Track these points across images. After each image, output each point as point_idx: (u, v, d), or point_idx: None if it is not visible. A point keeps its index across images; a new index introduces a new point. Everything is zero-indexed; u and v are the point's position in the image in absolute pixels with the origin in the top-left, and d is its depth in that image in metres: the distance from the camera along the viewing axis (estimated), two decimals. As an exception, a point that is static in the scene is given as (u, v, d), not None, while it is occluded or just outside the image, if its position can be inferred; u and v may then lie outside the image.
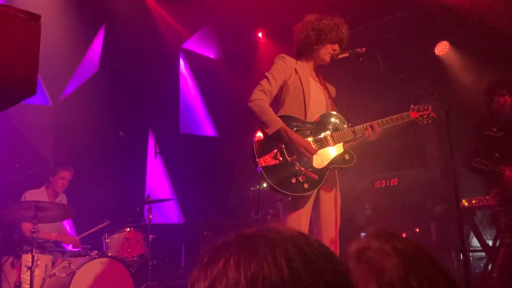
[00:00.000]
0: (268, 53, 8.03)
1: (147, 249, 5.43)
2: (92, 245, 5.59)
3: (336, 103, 3.69)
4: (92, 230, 5.69)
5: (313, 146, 3.35)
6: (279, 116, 3.36)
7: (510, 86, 4.93)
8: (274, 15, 7.27)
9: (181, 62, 8.59)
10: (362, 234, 6.60)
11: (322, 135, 3.43)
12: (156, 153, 6.63)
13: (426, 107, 3.65)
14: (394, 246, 1.29)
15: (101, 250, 5.29)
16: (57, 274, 4.75)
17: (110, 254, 5.14)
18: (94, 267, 4.78)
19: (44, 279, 4.77)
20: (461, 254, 5.30)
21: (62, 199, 5.79)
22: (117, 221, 5.72)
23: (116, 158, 7.22)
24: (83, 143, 6.66)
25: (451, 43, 6.81)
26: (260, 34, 8.36)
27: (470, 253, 5.99)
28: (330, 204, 3.49)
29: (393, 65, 3.61)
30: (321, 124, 3.47)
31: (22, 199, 5.40)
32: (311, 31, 3.56)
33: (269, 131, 3.25)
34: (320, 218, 3.46)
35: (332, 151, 3.45)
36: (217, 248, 0.95)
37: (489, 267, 5.60)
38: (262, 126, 3.31)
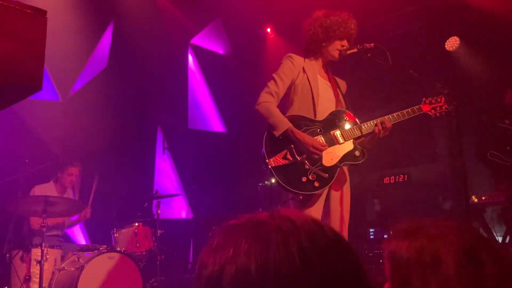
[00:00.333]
0: (276, 49, 8.01)
1: (156, 244, 5.45)
2: (101, 239, 5.62)
3: (346, 98, 3.67)
4: (92, 196, 5.65)
5: (323, 144, 3.36)
6: (288, 116, 3.40)
7: None
8: (282, 10, 7.24)
9: (190, 58, 8.58)
10: (371, 230, 6.59)
11: (332, 132, 3.43)
12: (164, 148, 6.64)
13: (438, 99, 3.57)
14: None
15: (110, 245, 5.32)
16: (66, 268, 4.77)
17: (118, 249, 5.16)
18: (102, 261, 4.80)
19: (53, 273, 4.80)
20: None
21: (69, 194, 5.83)
22: (126, 216, 5.74)
23: (124, 154, 7.24)
24: (91, 139, 6.68)
25: (461, 38, 6.75)
26: (268, 30, 8.33)
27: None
28: (340, 201, 3.49)
29: (402, 60, 3.59)
30: (330, 121, 3.47)
31: (31, 194, 5.44)
32: (318, 28, 3.56)
33: (277, 133, 3.29)
34: (330, 215, 3.46)
35: (342, 149, 3.44)
36: (228, 231, 0.91)
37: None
38: (270, 128, 3.34)
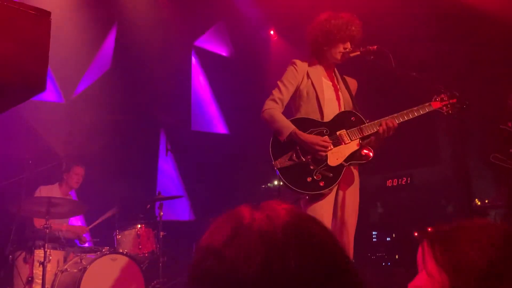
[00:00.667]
0: (279, 51, 8.02)
1: (158, 245, 5.45)
2: (104, 241, 5.63)
3: (355, 98, 3.68)
4: (100, 220, 5.70)
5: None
6: (293, 119, 3.47)
7: None
8: (285, 13, 7.25)
9: (193, 60, 8.60)
10: (374, 233, 6.58)
11: (338, 133, 3.46)
12: (167, 150, 6.64)
13: (452, 96, 3.55)
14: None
15: (113, 246, 5.32)
16: (69, 270, 4.78)
17: (121, 251, 5.17)
18: (105, 263, 4.81)
19: (56, 275, 4.81)
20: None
21: (70, 196, 5.84)
22: (128, 217, 5.74)
23: (127, 155, 7.25)
24: (95, 140, 6.70)
25: (462, 39, 6.74)
26: (271, 32, 8.34)
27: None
28: (342, 204, 3.49)
29: (405, 63, 3.59)
30: (336, 122, 3.49)
31: (37, 194, 5.46)
32: (320, 33, 3.60)
33: (281, 138, 3.38)
34: (334, 217, 3.47)
35: (348, 148, 3.46)
36: (212, 225, 0.94)
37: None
38: (275, 134, 3.42)
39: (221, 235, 0.89)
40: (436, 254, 1.31)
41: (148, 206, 6.01)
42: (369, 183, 6.88)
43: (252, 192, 6.99)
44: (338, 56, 3.61)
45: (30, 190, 5.48)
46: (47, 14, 1.42)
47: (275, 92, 3.55)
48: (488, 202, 5.51)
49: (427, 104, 3.53)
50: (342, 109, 3.59)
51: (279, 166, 3.34)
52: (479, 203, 5.57)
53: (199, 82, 8.76)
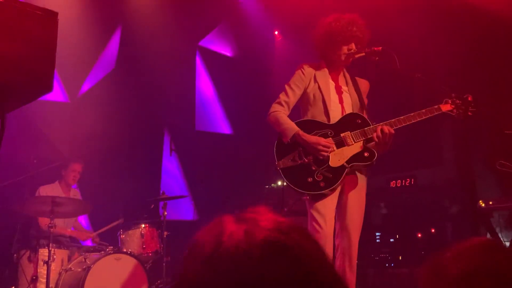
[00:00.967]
0: (284, 51, 8.02)
1: (162, 245, 5.46)
2: (108, 241, 5.64)
3: (364, 100, 3.68)
4: (106, 228, 5.75)
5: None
6: (298, 121, 3.54)
7: None
8: (290, 13, 7.26)
9: (197, 60, 8.61)
10: (377, 234, 6.58)
11: (342, 135, 3.49)
12: (171, 150, 6.65)
13: (464, 98, 3.52)
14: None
15: (116, 246, 5.34)
16: (73, 269, 4.80)
17: (125, 250, 5.18)
18: (109, 262, 4.82)
19: (60, 274, 4.82)
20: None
21: (75, 193, 5.87)
22: (132, 217, 5.76)
23: (132, 155, 7.27)
24: (99, 140, 6.72)
25: (467, 41, 6.72)
26: (276, 32, 8.35)
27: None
28: (351, 207, 3.51)
29: (409, 64, 3.59)
30: (342, 124, 3.53)
31: (37, 194, 5.48)
32: (323, 36, 3.65)
33: (285, 139, 3.47)
34: (339, 219, 3.50)
35: (351, 150, 3.48)
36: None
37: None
38: (280, 136, 3.52)
39: (200, 253, 0.90)
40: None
41: (152, 205, 6.01)
42: (373, 184, 6.86)
43: (256, 192, 6.99)
44: (342, 58, 3.62)
45: (34, 189, 5.51)
46: (54, 14, 1.43)
47: (282, 96, 3.64)
48: (492, 203, 5.49)
49: (436, 106, 3.52)
50: (346, 112, 3.61)
51: (281, 166, 3.43)
52: (483, 205, 5.55)
53: (204, 82, 8.77)
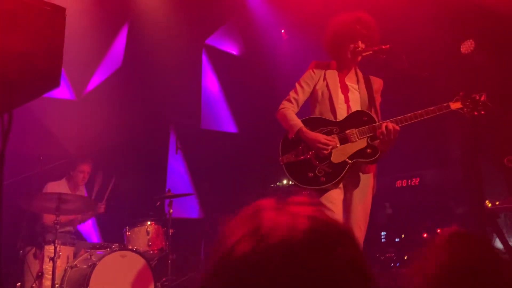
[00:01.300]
0: (290, 50, 8.00)
1: (167, 243, 5.46)
2: (113, 238, 5.65)
3: (373, 98, 3.68)
4: (107, 194, 5.74)
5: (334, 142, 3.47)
6: (305, 119, 3.61)
7: None
8: (297, 12, 7.24)
9: (204, 58, 8.61)
10: (383, 233, 6.56)
11: (347, 132, 3.52)
12: (177, 148, 6.65)
13: (477, 97, 3.46)
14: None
15: (122, 243, 5.35)
16: (78, 266, 4.81)
17: (130, 247, 5.19)
18: (114, 259, 4.83)
19: (65, 270, 4.84)
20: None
21: (82, 191, 5.87)
22: (138, 214, 5.77)
23: (137, 153, 7.28)
24: (105, 137, 6.73)
25: (476, 41, 6.68)
26: (282, 31, 8.33)
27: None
28: (355, 206, 3.52)
29: (417, 63, 3.57)
30: (348, 122, 3.55)
31: (44, 191, 5.49)
32: (330, 35, 3.72)
33: (290, 135, 3.57)
34: (345, 217, 3.51)
35: (354, 146, 3.50)
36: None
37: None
38: (286, 131, 3.62)
39: (240, 245, 0.88)
40: None
41: (158, 203, 6.02)
42: (378, 183, 6.84)
43: (261, 190, 6.99)
44: (349, 56, 3.64)
45: (40, 186, 5.52)
46: (62, 10, 1.43)
47: (291, 93, 3.72)
48: (499, 204, 5.46)
49: (445, 104, 3.49)
50: (352, 110, 3.63)
51: (284, 161, 3.52)
52: (489, 205, 5.52)
53: (210, 80, 8.77)
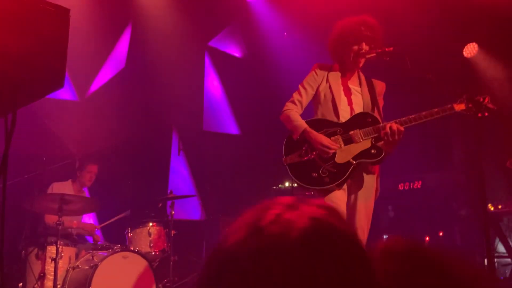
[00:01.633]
0: (292, 53, 8.01)
1: (169, 244, 5.47)
2: (115, 239, 5.66)
3: (376, 101, 3.68)
4: (114, 219, 5.76)
5: (338, 143, 3.48)
6: (309, 120, 3.61)
7: None
8: (299, 15, 7.25)
9: (206, 60, 8.62)
10: (385, 236, 6.54)
11: (351, 132, 3.52)
12: (179, 149, 6.66)
13: (481, 99, 3.44)
14: None
15: (124, 244, 5.35)
16: (80, 267, 4.81)
17: (132, 249, 5.19)
18: (116, 260, 4.83)
19: (67, 271, 4.84)
20: (485, 259, 5.20)
21: (83, 193, 5.88)
22: (140, 216, 5.77)
23: (140, 154, 7.29)
24: (108, 139, 6.74)
25: (480, 44, 6.69)
26: (285, 33, 8.34)
27: (495, 259, 5.88)
28: (360, 208, 3.51)
29: (420, 66, 3.57)
30: (352, 123, 3.56)
31: (49, 191, 5.50)
32: (335, 37, 3.72)
33: (295, 136, 3.57)
34: (348, 218, 3.48)
35: (358, 147, 3.50)
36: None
37: (515, 273, 5.49)
38: (290, 133, 3.62)
39: (235, 234, 0.87)
40: None
41: (160, 204, 6.03)
42: (381, 186, 6.84)
43: (263, 193, 6.99)
44: (352, 58, 3.63)
45: (43, 187, 5.52)
46: (66, 11, 1.43)
47: (295, 95, 3.72)
48: (501, 207, 5.45)
49: (449, 105, 3.48)
50: (355, 112, 3.63)
51: (288, 162, 3.52)
52: (492, 209, 5.52)
53: (212, 82, 8.78)
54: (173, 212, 5.66)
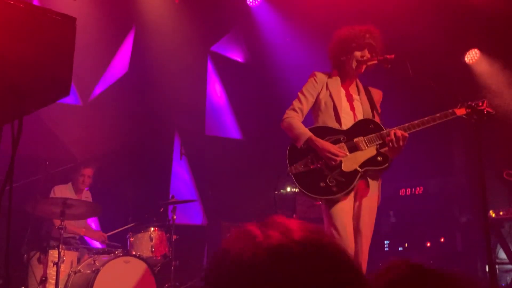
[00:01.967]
0: (295, 58, 8.03)
1: (171, 249, 5.47)
2: (117, 243, 5.67)
3: (376, 108, 3.69)
4: (118, 230, 5.79)
5: (343, 150, 3.44)
6: (311, 128, 3.56)
7: None
8: (302, 20, 7.28)
9: (209, 65, 8.65)
10: (386, 242, 6.55)
11: (355, 140, 3.49)
12: (181, 154, 6.67)
13: (480, 103, 3.48)
14: None
15: (126, 249, 5.36)
16: (82, 271, 4.83)
17: (134, 253, 5.20)
18: (118, 265, 4.84)
19: (69, 275, 4.85)
20: (487, 266, 5.21)
21: (87, 196, 5.90)
22: (142, 220, 5.79)
23: (142, 158, 7.31)
24: (110, 143, 6.76)
25: (481, 50, 6.70)
26: (287, 39, 8.36)
27: (497, 266, 5.88)
28: (364, 214, 3.51)
29: (422, 73, 3.58)
30: (355, 130, 3.53)
31: (51, 194, 5.52)
32: (336, 44, 3.70)
33: (298, 144, 3.48)
34: (352, 226, 3.47)
35: (364, 154, 3.47)
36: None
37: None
38: (293, 141, 3.53)
39: (239, 259, 0.91)
40: None
41: (162, 209, 6.04)
42: (382, 191, 6.85)
43: (265, 198, 6.99)
44: (355, 64, 3.63)
45: (46, 190, 5.54)
46: (73, 20, 1.45)
47: (295, 102, 3.67)
48: (502, 214, 5.46)
49: (450, 110, 3.50)
50: (358, 119, 3.62)
51: (294, 172, 3.44)
52: (493, 215, 5.52)
53: (214, 87, 8.80)
54: (175, 216, 5.67)
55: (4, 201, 1.45)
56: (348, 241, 3.33)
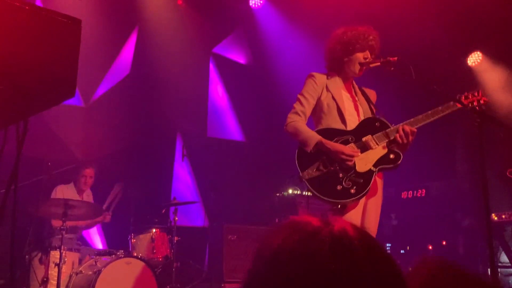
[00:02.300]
0: (297, 60, 8.04)
1: (172, 250, 5.48)
2: (118, 244, 5.67)
3: (376, 108, 3.67)
4: (110, 199, 5.76)
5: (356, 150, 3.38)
6: (317, 130, 3.46)
7: None
8: (304, 22, 7.29)
9: (211, 66, 8.66)
10: (388, 245, 6.54)
11: (364, 139, 3.43)
12: (183, 155, 6.68)
13: (475, 93, 3.48)
14: None
15: (127, 250, 5.36)
16: (83, 272, 4.83)
17: (135, 254, 5.21)
18: (119, 266, 4.84)
19: (70, 276, 4.85)
20: (489, 269, 5.20)
21: (89, 195, 5.91)
22: (143, 222, 5.79)
23: (143, 160, 7.31)
24: (112, 144, 6.76)
25: (484, 53, 6.70)
26: (289, 41, 8.37)
27: (499, 269, 5.87)
28: (370, 212, 3.48)
29: (424, 75, 3.57)
30: (361, 129, 3.48)
31: (53, 193, 5.53)
32: (338, 45, 3.61)
33: (308, 148, 3.36)
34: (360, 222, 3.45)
35: (376, 153, 3.42)
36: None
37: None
38: (301, 145, 3.41)
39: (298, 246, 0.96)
40: None
41: (163, 211, 6.05)
42: (384, 194, 6.84)
43: (267, 200, 6.99)
44: (358, 67, 3.58)
45: (48, 191, 5.55)
46: (78, 22, 1.46)
47: (296, 105, 3.56)
48: (505, 217, 5.45)
49: (451, 102, 3.46)
50: (361, 119, 3.57)
51: (307, 177, 3.31)
52: (495, 218, 5.51)
53: (216, 88, 8.81)
54: (176, 218, 5.68)
55: (8, 202, 1.45)
56: None
